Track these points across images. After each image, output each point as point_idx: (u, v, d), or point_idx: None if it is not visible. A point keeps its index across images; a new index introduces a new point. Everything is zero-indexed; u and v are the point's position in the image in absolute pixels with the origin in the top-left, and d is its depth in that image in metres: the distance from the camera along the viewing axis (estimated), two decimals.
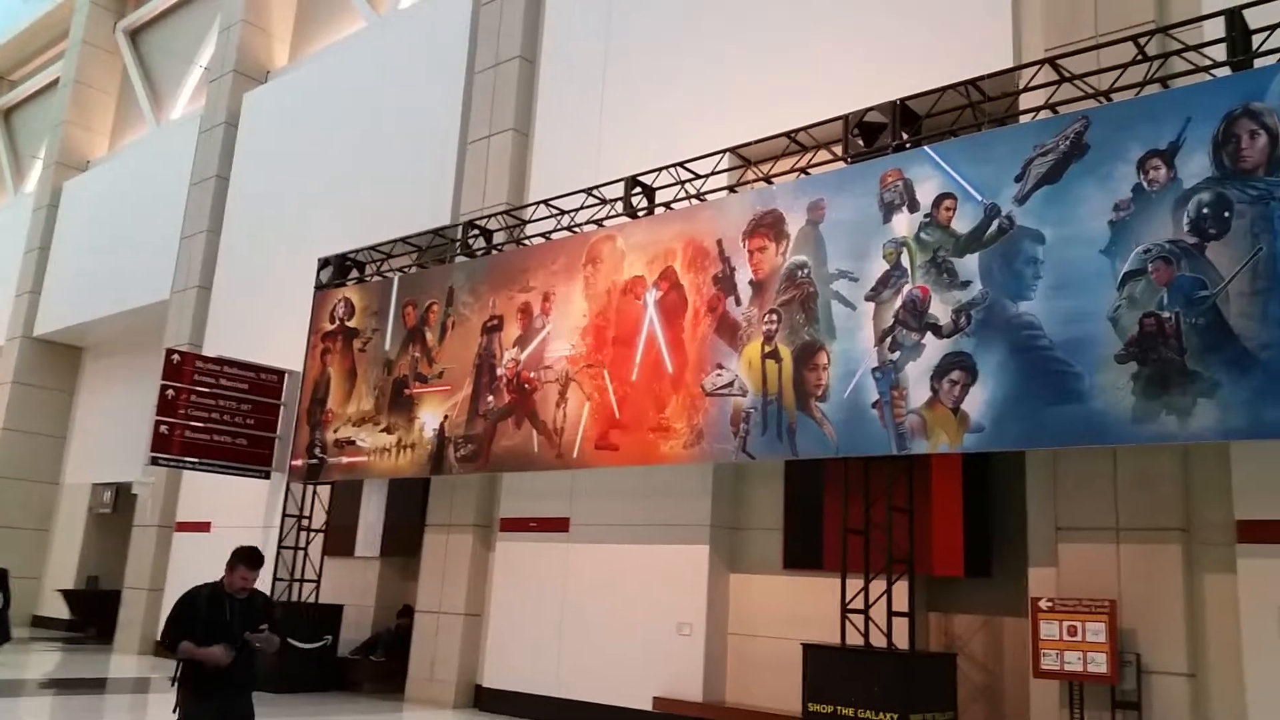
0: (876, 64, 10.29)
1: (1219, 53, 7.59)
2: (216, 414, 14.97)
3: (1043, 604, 7.91)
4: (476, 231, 13.13)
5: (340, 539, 14.81)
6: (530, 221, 12.51)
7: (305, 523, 14.61)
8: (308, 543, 14.52)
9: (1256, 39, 7.36)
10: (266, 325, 16.79)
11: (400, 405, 13.21)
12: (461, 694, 12.41)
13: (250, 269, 18.00)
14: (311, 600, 14.18)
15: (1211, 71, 7.60)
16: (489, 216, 13.13)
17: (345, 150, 16.82)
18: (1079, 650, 7.62)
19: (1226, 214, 7.03)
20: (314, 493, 14.72)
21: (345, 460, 13.79)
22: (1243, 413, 6.73)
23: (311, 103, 18.14)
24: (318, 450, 14.20)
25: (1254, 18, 7.42)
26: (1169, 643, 7.58)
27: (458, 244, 13.34)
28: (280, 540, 14.44)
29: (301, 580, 14.26)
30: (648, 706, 10.47)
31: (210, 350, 16.99)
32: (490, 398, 12.07)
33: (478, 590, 12.76)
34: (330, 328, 14.66)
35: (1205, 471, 7.77)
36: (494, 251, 12.88)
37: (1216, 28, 7.67)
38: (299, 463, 14.49)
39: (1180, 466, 7.83)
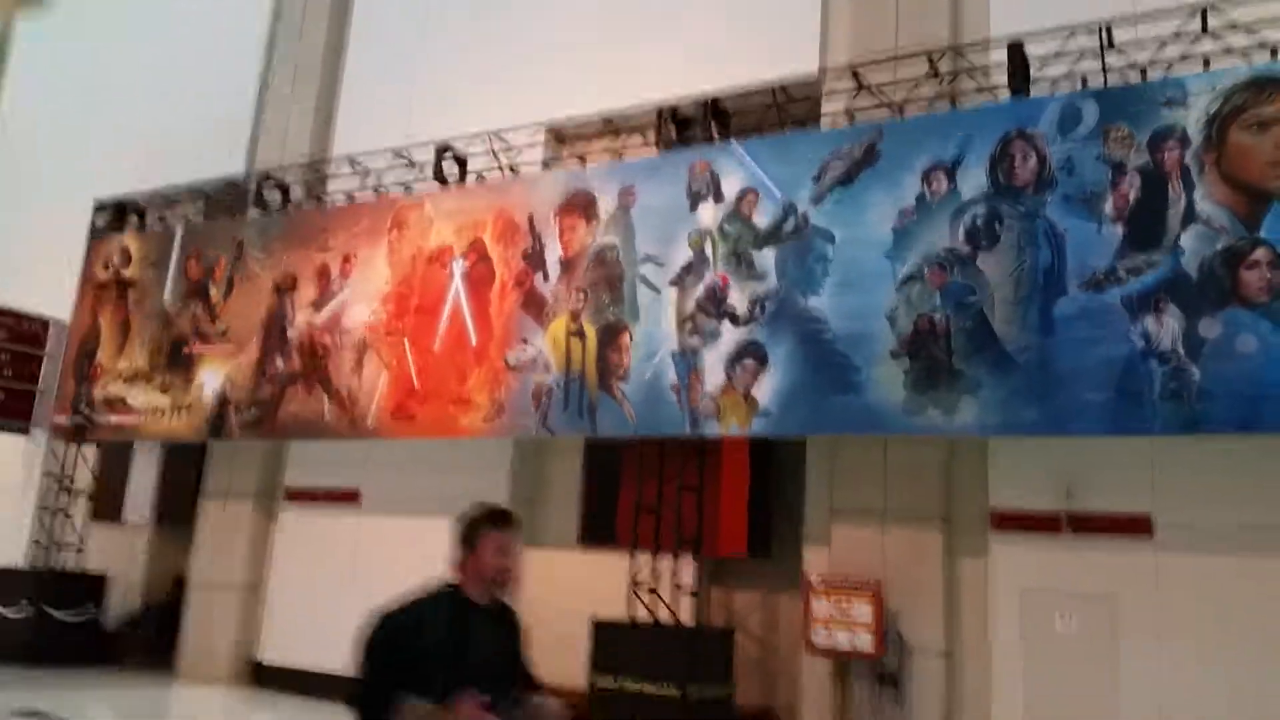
0: (693, 57, 10.48)
1: (1003, 76, 8.21)
2: None
3: (815, 582, 8.43)
4: (273, 184, 12.47)
5: (108, 503, 13.81)
6: (332, 177, 12.00)
7: (68, 484, 13.52)
8: (69, 506, 13.44)
9: (1034, 68, 8.02)
10: (30, 269, 15.31)
11: (178, 364, 12.41)
12: (237, 669, 11.89)
13: (14, 208, 16.35)
14: (74, 568, 13.18)
15: (994, 94, 8.22)
16: (288, 169, 12.49)
17: (132, 87, 15.50)
18: (847, 627, 8.17)
19: (997, 227, 7.67)
20: (78, 452, 13.64)
21: (115, 420, 12.84)
22: (1000, 410, 7.39)
23: (96, 32, 16.61)
24: (84, 407, 13.15)
25: (1034, 48, 8.06)
26: (928, 622, 8.25)
27: (251, 196, 12.63)
28: (39, 502, 13.29)
29: (61, 546, 13.21)
30: None
31: None
32: (280, 360, 11.55)
33: (258, 562, 12.23)
34: (104, 277, 13.56)
35: (966, 463, 8.48)
36: (291, 207, 12.28)
37: (1002, 53, 8.29)
38: (63, 419, 13.37)
39: (944, 457, 8.51)
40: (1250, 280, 6.75)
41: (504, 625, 3.39)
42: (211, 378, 12.05)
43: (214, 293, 12.41)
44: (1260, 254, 6.73)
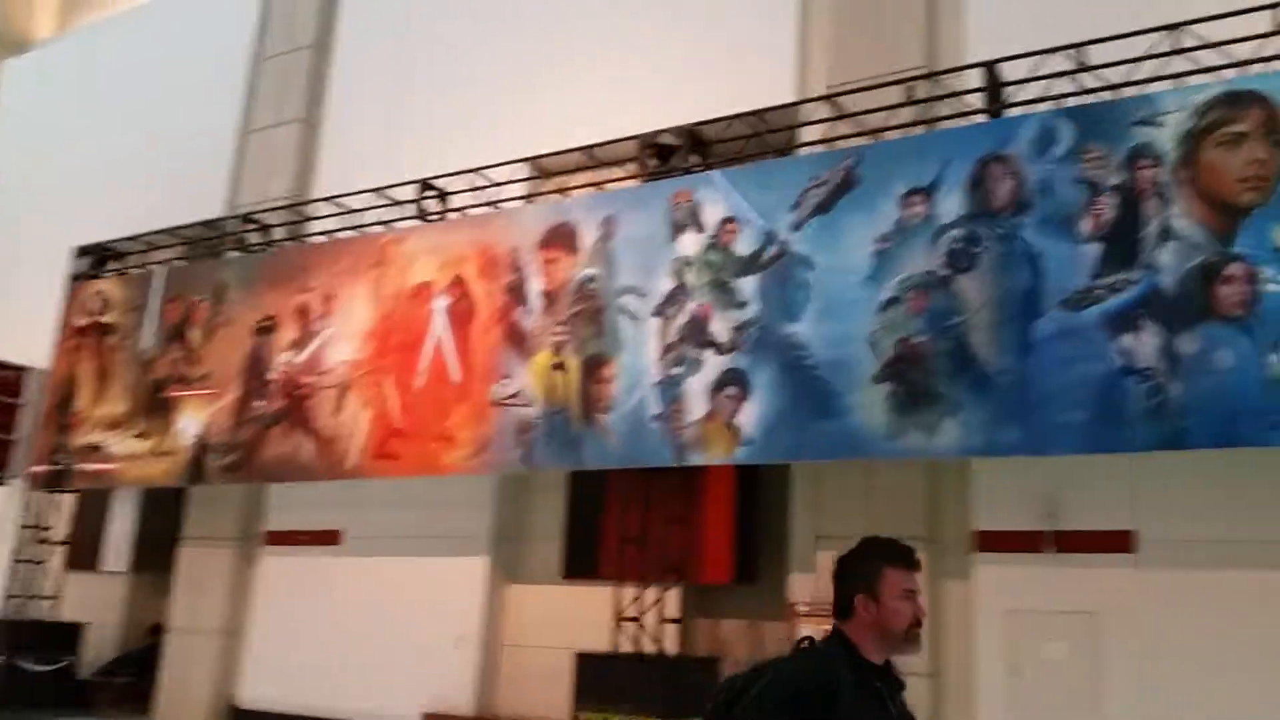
0: (672, 88, 10.62)
1: (979, 100, 8.34)
2: None
3: (801, 608, 8.35)
4: (254, 225, 12.47)
5: (85, 552, 13.58)
6: (314, 219, 12.02)
7: (44, 534, 13.28)
8: (45, 556, 13.21)
9: (1010, 91, 8.15)
10: (6, 316, 15.24)
11: (157, 409, 12.27)
12: (215, 715, 11.64)
13: None
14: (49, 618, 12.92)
15: (970, 117, 8.34)
16: (269, 210, 12.51)
17: (113, 131, 15.59)
18: None
19: (976, 249, 7.71)
20: (55, 501, 13.43)
21: (93, 468, 12.66)
22: (981, 432, 7.38)
23: (77, 77, 16.75)
24: (62, 455, 12.97)
25: (1008, 71, 8.20)
26: None
27: (232, 238, 12.63)
28: (15, 554, 13.07)
29: (37, 596, 12.95)
30: None
31: None
32: (259, 403, 11.45)
33: (237, 607, 12.03)
34: (84, 323, 13.47)
35: (948, 485, 8.46)
36: (272, 248, 12.28)
37: (977, 77, 8.43)
38: (40, 468, 13.18)
39: (927, 480, 8.48)
40: (1226, 295, 6.79)
41: (898, 691, 2.76)
42: (191, 422, 11.93)
43: (194, 336, 12.34)
44: (1235, 269, 6.78)
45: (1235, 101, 7.00)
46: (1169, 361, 6.84)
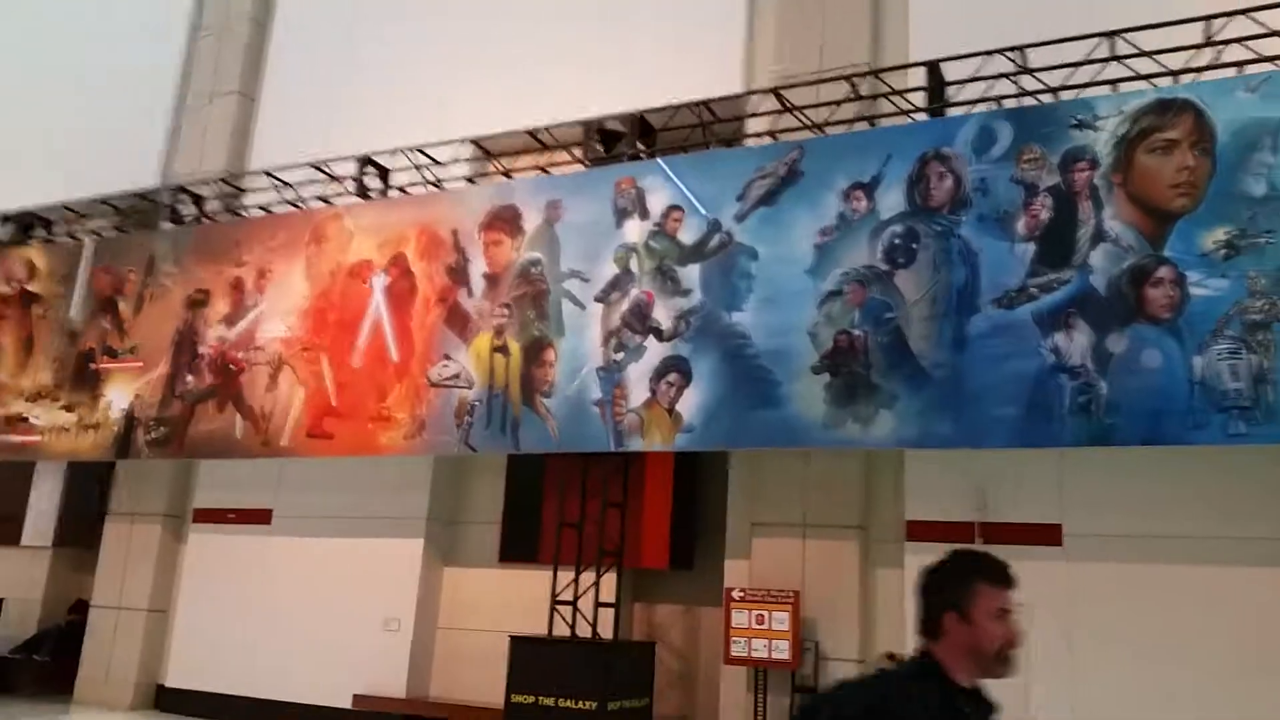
0: (620, 74, 10.58)
1: (921, 99, 8.45)
2: None
3: (735, 594, 8.45)
4: (188, 197, 12.16)
5: (6, 526, 13.23)
6: (250, 191, 11.76)
7: None
8: None
9: (951, 90, 8.27)
10: None
11: (84, 381, 11.95)
12: (140, 695, 11.43)
13: None
14: None
15: (912, 115, 8.45)
16: (204, 183, 12.21)
17: (44, 96, 15.04)
18: (765, 638, 8.20)
19: (914, 245, 7.84)
20: None
21: (15, 439, 12.28)
22: (915, 424, 7.52)
23: (11, 41, 16.06)
24: None
25: (950, 71, 8.32)
26: (844, 631, 8.32)
27: (165, 209, 12.30)
28: None
29: None
30: (347, 704, 10.11)
31: None
32: (190, 378, 11.20)
33: (165, 584, 11.81)
34: (8, 291, 13.04)
35: (883, 475, 8.62)
36: (206, 221, 11.99)
37: (920, 76, 8.53)
38: None
39: (862, 470, 8.63)
40: (1155, 297, 7.00)
41: (989, 716, 2.50)
42: (119, 395, 11.64)
43: (124, 308, 12.02)
44: (1164, 272, 6.99)
45: (1167, 109, 7.20)
46: (1098, 360, 7.03)
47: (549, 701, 8.27)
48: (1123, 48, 7.66)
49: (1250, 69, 7.26)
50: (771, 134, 8.93)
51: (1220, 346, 6.72)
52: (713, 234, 8.64)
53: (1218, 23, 7.40)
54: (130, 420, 11.45)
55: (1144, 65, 7.65)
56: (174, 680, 11.47)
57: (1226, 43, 7.33)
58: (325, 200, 11.11)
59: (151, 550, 11.82)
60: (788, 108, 8.84)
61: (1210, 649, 7.20)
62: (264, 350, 10.82)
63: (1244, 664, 7.10)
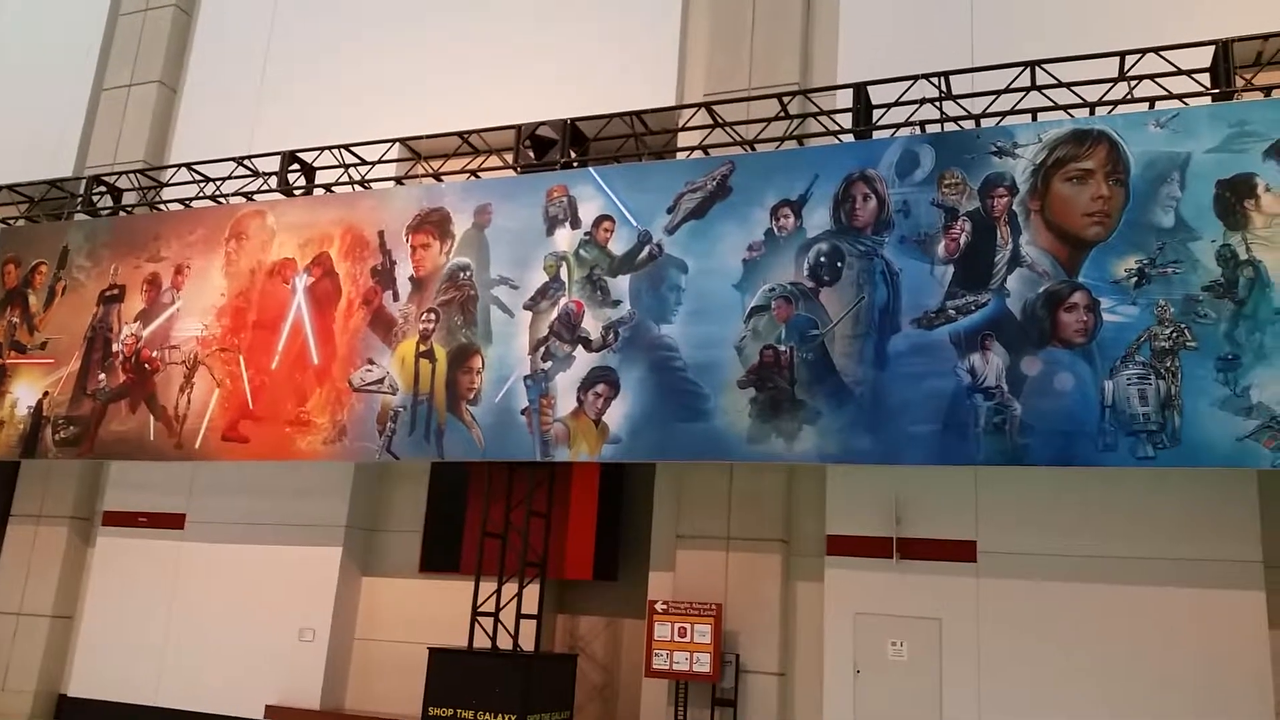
0: (553, 81, 10.56)
1: (848, 120, 8.58)
2: None
3: (658, 606, 8.48)
4: (104, 188, 11.77)
5: None
6: (169, 185, 11.42)
7: None
8: None
9: (877, 113, 8.42)
10: None
11: None
12: (41, 704, 11.02)
13: None
14: None
15: (839, 136, 8.58)
16: (120, 174, 11.83)
17: None
18: (686, 650, 8.25)
19: (839, 264, 7.96)
20: None
21: None
22: (837, 439, 7.64)
23: None
24: None
25: (876, 94, 8.47)
26: (765, 644, 8.41)
27: (79, 200, 11.88)
28: None
29: None
30: (259, 715, 9.88)
31: None
32: (102, 376, 10.85)
33: (70, 589, 11.41)
34: None
35: (805, 490, 8.74)
36: (122, 213, 11.62)
37: (847, 97, 8.66)
38: None
39: (785, 484, 8.74)
40: (1068, 322, 7.22)
41: None
42: (27, 392, 11.22)
43: (33, 301, 11.59)
44: (1078, 297, 7.23)
45: (1083, 139, 7.44)
46: (1013, 382, 7.23)
47: (467, 714, 8.21)
48: (1043, 78, 7.88)
49: (1161, 105, 7.54)
50: (703, 148, 8.99)
51: (1130, 372, 6.96)
52: (643, 245, 8.67)
53: (1131, 58, 7.67)
54: (38, 418, 11.04)
55: (1063, 96, 7.88)
56: (77, 689, 11.07)
57: (1140, 78, 7.60)
58: (247, 196, 10.84)
59: (57, 554, 11.44)
60: (719, 123, 8.91)
61: (1117, 666, 7.46)
62: (180, 349, 10.53)
63: (1148, 680, 7.37)
